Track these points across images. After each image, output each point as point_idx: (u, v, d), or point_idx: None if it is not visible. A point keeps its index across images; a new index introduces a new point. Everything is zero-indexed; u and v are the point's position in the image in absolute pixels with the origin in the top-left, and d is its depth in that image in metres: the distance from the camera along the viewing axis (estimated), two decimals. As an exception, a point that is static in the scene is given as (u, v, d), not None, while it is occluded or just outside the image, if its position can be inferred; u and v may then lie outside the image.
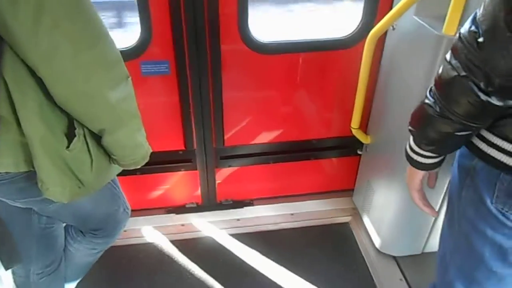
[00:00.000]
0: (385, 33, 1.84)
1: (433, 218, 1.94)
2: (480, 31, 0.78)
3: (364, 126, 2.16)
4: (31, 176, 1.08)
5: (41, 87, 0.94)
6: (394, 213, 1.97)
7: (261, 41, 1.91)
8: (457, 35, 0.86)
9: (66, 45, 0.86)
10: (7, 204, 1.23)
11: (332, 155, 2.41)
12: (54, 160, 1.04)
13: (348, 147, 2.34)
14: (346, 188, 2.51)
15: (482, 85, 0.81)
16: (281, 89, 2.11)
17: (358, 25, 1.94)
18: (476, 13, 0.81)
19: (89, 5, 0.89)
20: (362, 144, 2.22)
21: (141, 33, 1.79)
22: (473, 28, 0.80)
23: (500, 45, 0.75)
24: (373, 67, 1.87)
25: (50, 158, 1.03)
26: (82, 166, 1.10)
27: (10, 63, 0.89)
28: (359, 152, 2.32)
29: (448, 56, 0.89)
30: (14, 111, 0.95)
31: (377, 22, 1.73)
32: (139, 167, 1.26)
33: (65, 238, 1.62)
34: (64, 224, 1.62)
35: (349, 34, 1.97)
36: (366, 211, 2.26)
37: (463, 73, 0.83)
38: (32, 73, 0.91)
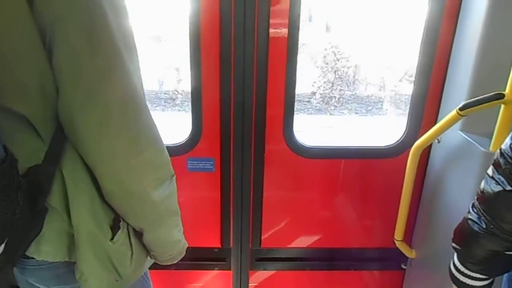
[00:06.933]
0: (430, 145, 1.84)
1: None
2: None
3: (409, 238, 2.05)
4: (68, 265, 1.09)
5: (94, 183, 1.00)
6: None
7: (305, 145, 1.97)
8: (498, 150, 0.86)
9: (123, 148, 0.93)
10: None
11: (373, 267, 2.27)
12: (97, 252, 1.05)
13: (391, 259, 2.20)
14: (389, 306, 2.31)
15: None
16: (322, 193, 2.10)
17: (402, 136, 1.96)
18: None
19: (147, 113, 0.98)
20: (406, 257, 2.09)
21: (192, 131, 1.90)
22: None
23: None
24: (418, 178, 1.84)
25: (94, 249, 1.04)
26: (123, 259, 1.11)
27: (70, 159, 0.97)
28: (403, 266, 2.17)
29: (490, 171, 0.88)
30: (65, 203, 1.00)
31: (422, 134, 1.74)
32: (175, 262, 1.25)
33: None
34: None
35: (392, 144, 1.99)
36: (411, 335, 2.04)
37: (509, 188, 0.82)
38: (88, 169, 0.98)
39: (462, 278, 1.01)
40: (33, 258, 1.05)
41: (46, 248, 1.04)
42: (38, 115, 0.92)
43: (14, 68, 0.87)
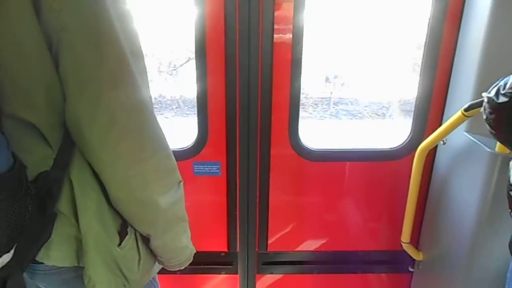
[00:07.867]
0: (436, 147, 1.84)
1: None
2: None
3: (416, 240, 2.04)
4: (77, 269, 1.09)
5: (102, 189, 1.01)
6: None
7: (310, 148, 1.97)
8: None
9: (128, 155, 0.94)
10: None
11: (381, 270, 2.26)
12: (104, 258, 1.06)
13: (398, 262, 2.19)
14: (397, 309, 2.30)
15: None
16: (328, 196, 2.10)
17: (407, 138, 1.96)
18: None
19: (153, 120, 0.98)
20: (413, 260, 2.08)
21: (198, 135, 1.91)
22: None
23: None
24: (424, 180, 1.84)
25: (101, 255, 1.05)
26: (131, 264, 1.11)
27: (78, 165, 0.98)
28: (410, 269, 2.17)
29: None
30: (74, 208, 1.01)
31: (427, 135, 1.74)
32: (183, 268, 1.26)
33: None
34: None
35: (397, 146, 1.99)
36: (419, 338, 2.03)
37: None
38: (96, 176, 0.98)
39: None
40: (42, 263, 1.05)
41: (55, 253, 1.04)
42: (45, 123, 0.93)
43: (21, 77, 0.88)
